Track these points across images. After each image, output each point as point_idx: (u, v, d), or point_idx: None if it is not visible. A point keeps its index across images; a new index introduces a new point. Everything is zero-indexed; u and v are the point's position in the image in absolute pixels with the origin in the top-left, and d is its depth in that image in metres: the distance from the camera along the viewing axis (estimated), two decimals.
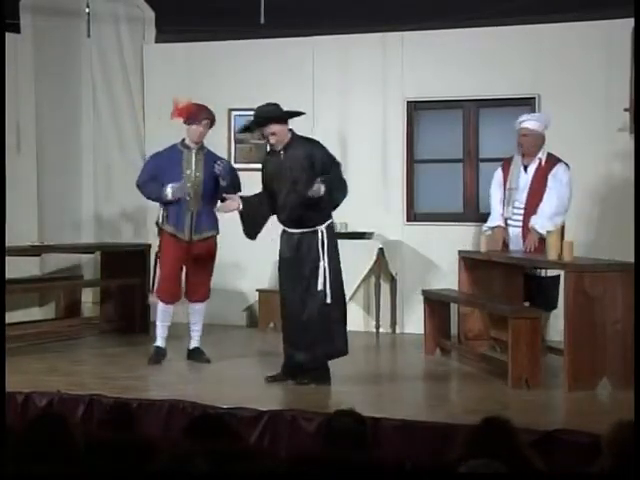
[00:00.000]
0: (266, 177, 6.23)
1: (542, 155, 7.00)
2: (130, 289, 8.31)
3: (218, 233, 6.92)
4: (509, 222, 7.14)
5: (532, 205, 6.95)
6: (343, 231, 8.37)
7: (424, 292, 7.51)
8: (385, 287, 8.40)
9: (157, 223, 6.85)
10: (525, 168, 7.07)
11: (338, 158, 8.54)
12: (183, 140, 6.82)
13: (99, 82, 9.11)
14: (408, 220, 8.52)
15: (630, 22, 7.60)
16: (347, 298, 8.28)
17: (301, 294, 6.03)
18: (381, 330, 8.27)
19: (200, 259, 6.80)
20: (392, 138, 8.51)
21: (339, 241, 8.23)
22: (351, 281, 8.23)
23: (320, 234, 6.12)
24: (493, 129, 8.32)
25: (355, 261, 8.16)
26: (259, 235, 6.50)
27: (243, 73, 8.72)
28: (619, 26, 7.67)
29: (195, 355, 6.92)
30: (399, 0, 8.10)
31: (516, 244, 7.09)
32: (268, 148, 6.48)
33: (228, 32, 8.57)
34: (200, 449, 3.28)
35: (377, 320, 8.27)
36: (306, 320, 6.01)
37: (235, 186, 6.71)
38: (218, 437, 3.63)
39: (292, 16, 8.17)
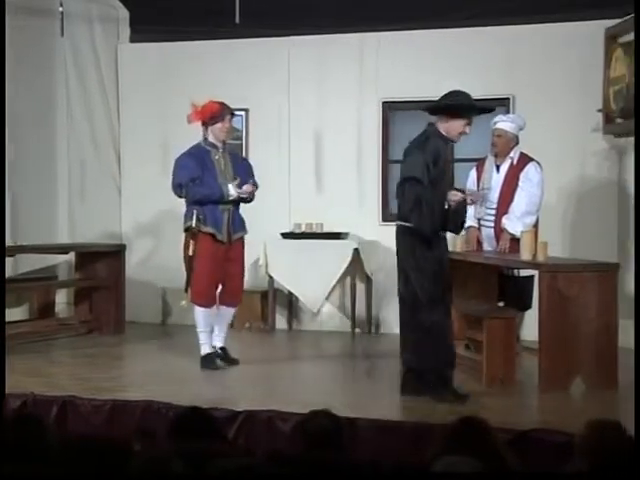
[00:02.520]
0: (442, 166, 5.70)
1: (514, 155, 7.03)
2: (105, 290, 8.27)
3: (247, 232, 6.83)
4: (482, 222, 7.16)
5: (504, 205, 6.97)
6: (319, 231, 8.39)
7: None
8: (361, 287, 8.41)
9: (190, 227, 6.59)
10: (497, 168, 7.10)
11: (313, 159, 8.65)
12: (206, 139, 6.70)
13: (73, 82, 9.05)
14: (384, 220, 8.53)
15: (604, 24, 7.66)
16: (323, 298, 8.37)
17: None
18: (357, 330, 8.28)
19: (236, 260, 6.71)
20: (367, 138, 8.52)
21: (315, 241, 8.30)
22: (327, 281, 8.28)
23: None
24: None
25: (331, 261, 8.19)
26: None
27: (219, 73, 8.70)
28: (593, 27, 7.72)
29: (222, 354, 6.75)
30: (376, 1, 8.12)
31: (490, 244, 7.12)
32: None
33: (203, 32, 8.55)
34: (179, 448, 3.27)
35: (353, 320, 8.28)
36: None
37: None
38: (204, 435, 3.63)
39: (268, 16, 8.16)
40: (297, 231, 8.41)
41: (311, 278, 8.17)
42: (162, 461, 3.02)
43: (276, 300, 8.57)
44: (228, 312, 6.83)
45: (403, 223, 5.70)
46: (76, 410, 5.40)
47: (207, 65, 8.77)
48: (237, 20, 7.46)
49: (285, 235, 8.40)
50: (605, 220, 7.79)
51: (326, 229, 8.40)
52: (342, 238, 8.37)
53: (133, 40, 9.09)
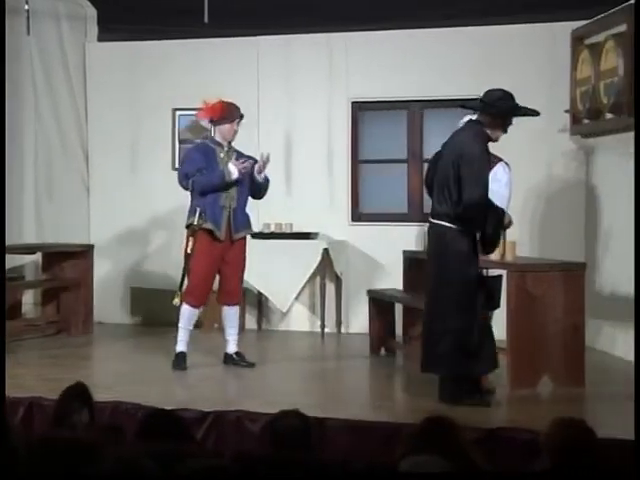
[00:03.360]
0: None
1: None
2: (73, 290, 8.21)
3: (252, 232, 6.78)
4: None
5: None
6: (288, 231, 8.38)
7: (369, 292, 7.54)
8: (330, 287, 8.41)
9: (190, 224, 6.54)
10: None
11: (283, 159, 8.63)
12: (213, 137, 6.71)
13: (40, 81, 8.97)
14: (353, 220, 8.56)
15: (571, 25, 7.73)
16: (293, 298, 8.37)
17: None
18: (326, 330, 8.28)
19: (236, 260, 6.63)
20: (337, 138, 8.53)
21: (284, 241, 8.30)
22: (296, 281, 8.28)
23: None
24: (437, 130, 8.37)
25: (300, 261, 8.19)
26: None
27: (187, 73, 8.67)
28: (560, 29, 7.79)
29: (237, 359, 6.72)
30: (344, 1, 8.13)
31: None
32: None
33: (172, 31, 8.52)
34: (148, 449, 3.25)
35: (322, 320, 8.28)
36: None
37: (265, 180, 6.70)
38: (171, 436, 3.61)
39: (236, 16, 8.14)
40: (266, 231, 8.40)
41: (280, 278, 8.17)
42: (131, 461, 3.00)
43: (245, 300, 8.55)
44: (231, 312, 6.77)
45: (455, 226, 5.53)
46: (43, 411, 5.35)
47: (175, 65, 8.74)
48: (206, 19, 7.43)
49: (254, 235, 8.36)
50: (573, 220, 7.85)
51: (295, 229, 8.40)
52: (311, 238, 8.37)
53: (101, 39, 9.03)
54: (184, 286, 6.62)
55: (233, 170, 6.49)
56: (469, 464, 3.29)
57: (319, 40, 8.48)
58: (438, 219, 5.60)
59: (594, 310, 7.12)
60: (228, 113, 6.61)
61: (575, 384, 5.94)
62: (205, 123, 6.88)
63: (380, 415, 5.25)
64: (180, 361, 6.60)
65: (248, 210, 6.71)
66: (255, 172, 6.60)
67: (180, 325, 6.68)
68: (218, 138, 6.69)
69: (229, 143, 6.69)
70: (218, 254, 6.56)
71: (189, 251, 6.54)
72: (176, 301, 6.67)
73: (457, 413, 4.58)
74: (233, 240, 6.59)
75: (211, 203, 6.53)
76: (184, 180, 6.59)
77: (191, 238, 6.54)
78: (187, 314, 6.66)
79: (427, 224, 7.56)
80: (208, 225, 6.52)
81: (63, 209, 8.97)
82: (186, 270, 6.58)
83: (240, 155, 6.72)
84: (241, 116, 6.69)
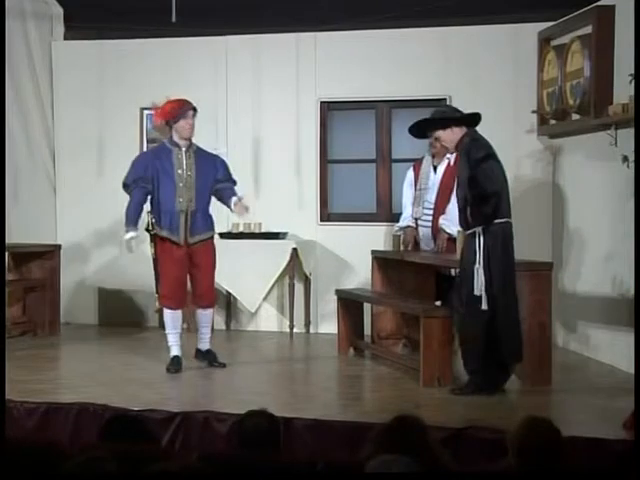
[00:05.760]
0: None
1: (451, 155, 7.09)
2: (39, 290, 8.15)
3: (215, 234, 6.72)
4: (419, 222, 7.22)
5: (441, 205, 7.04)
6: (257, 231, 8.37)
7: (337, 292, 7.55)
8: (299, 287, 8.41)
9: (147, 229, 6.50)
10: (435, 168, 7.17)
11: (251, 159, 8.62)
12: (171, 138, 6.58)
13: (5, 80, 8.87)
14: (322, 220, 8.56)
15: (537, 26, 7.78)
16: (262, 298, 8.35)
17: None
18: (295, 330, 8.28)
19: (202, 263, 6.56)
20: (306, 138, 8.53)
21: (253, 241, 8.28)
22: (265, 281, 8.27)
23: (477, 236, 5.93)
24: (405, 130, 8.38)
25: (269, 261, 8.18)
26: None
27: (155, 72, 8.63)
28: (527, 30, 7.85)
29: (208, 357, 6.67)
30: (312, 0, 8.13)
31: (427, 244, 7.18)
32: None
33: (139, 30, 8.47)
34: (112, 451, 3.23)
35: (291, 320, 8.28)
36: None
37: (233, 182, 6.66)
38: (134, 439, 3.59)
39: (205, 15, 8.12)
40: (235, 231, 8.38)
41: (249, 278, 8.15)
42: (94, 462, 2.98)
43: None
44: (204, 314, 6.71)
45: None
46: (9, 413, 5.31)
47: (143, 64, 8.69)
48: (173, 18, 7.40)
49: (223, 235, 8.35)
50: (540, 220, 7.90)
51: (264, 229, 8.39)
52: (280, 238, 8.36)
53: (67, 37, 8.96)
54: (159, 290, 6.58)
55: (127, 236, 6.49)
56: (437, 463, 3.30)
57: (288, 39, 8.47)
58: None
59: (562, 310, 7.17)
60: (179, 109, 6.51)
61: (542, 383, 5.98)
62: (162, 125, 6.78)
63: (348, 415, 5.25)
64: (175, 365, 6.53)
65: (217, 208, 6.68)
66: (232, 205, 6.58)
67: (167, 330, 6.62)
68: (176, 138, 6.57)
69: (189, 141, 6.60)
70: (182, 257, 6.51)
71: (153, 256, 6.51)
72: (156, 305, 6.65)
73: (424, 412, 4.59)
74: (189, 244, 6.51)
75: (168, 209, 6.48)
76: (123, 187, 6.60)
77: (152, 243, 6.51)
78: (169, 317, 6.60)
79: (396, 224, 7.62)
80: (163, 233, 6.47)
81: (30, 209, 8.89)
82: (156, 274, 6.54)
83: (203, 153, 6.66)
84: (194, 109, 6.58)
